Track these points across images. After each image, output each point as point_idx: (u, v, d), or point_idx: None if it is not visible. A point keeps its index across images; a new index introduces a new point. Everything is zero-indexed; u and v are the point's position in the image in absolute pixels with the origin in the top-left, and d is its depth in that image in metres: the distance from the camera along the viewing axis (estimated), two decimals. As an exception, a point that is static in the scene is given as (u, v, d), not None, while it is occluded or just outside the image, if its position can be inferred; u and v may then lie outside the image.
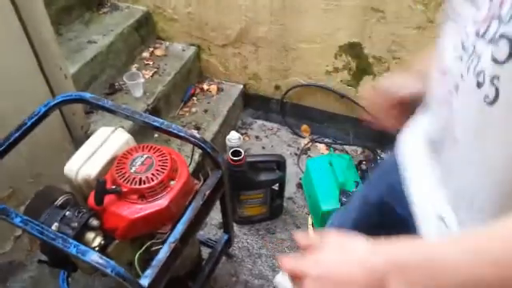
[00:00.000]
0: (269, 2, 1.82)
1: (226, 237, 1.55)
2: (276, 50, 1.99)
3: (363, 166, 1.91)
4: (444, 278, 0.41)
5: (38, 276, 1.61)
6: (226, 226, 1.53)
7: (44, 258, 1.19)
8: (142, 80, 1.87)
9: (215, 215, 1.81)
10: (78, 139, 1.69)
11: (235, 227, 1.81)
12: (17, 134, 1.16)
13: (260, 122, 2.32)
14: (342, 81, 1.97)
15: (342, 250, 0.50)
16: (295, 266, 0.52)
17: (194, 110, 2.11)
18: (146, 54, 2.13)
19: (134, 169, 1.09)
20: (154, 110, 1.89)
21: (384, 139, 2.08)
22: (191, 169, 1.76)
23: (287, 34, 1.90)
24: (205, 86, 2.24)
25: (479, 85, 0.47)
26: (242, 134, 2.17)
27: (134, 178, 1.07)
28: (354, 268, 0.47)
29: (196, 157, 1.84)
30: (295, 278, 0.52)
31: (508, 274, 0.38)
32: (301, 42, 1.91)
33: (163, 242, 1.07)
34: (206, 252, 1.56)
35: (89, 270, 1.15)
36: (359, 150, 2.16)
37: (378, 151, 2.09)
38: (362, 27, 1.75)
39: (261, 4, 1.84)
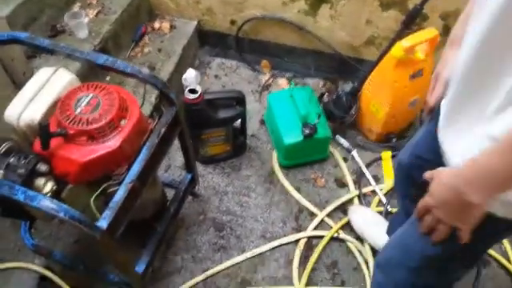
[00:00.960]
0: None
1: (189, 176, 1.53)
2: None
3: (325, 99, 1.89)
4: (493, 181, 0.63)
5: (-2, 230, 1.55)
6: (188, 166, 1.50)
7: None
8: (86, 19, 1.74)
9: (179, 156, 1.77)
10: (21, 86, 1.57)
11: (200, 167, 1.79)
12: None
13: (218, 59, 2.23)
14: (299, 11, 1.90)
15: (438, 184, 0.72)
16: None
17: (146, 50, 2.00)
18: (88, -8, 1.96)
19: (79, 109, 1.02)
20: (102, 51, 1.77)
21: (345, 70, 2.05)
22: (148, 111, 1.69)
23: (239, -38, 1.78)
24: (156, 24, 2.11)
25: None
26: (200, 74, 2.09)
27: (81, 119, 1.01)
28: (447, 192, 0.69)
29: (153, 99, 1.77)
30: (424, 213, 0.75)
31: None
32: (254, -30, 1.80)
33: (120, 184, 1.03)
34: (171, 194, 1.54)
35: (45, 217, 1.11)
36: (321, 82, 2.13)
37: (340, 82, 2.07)
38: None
39: None
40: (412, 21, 1.56)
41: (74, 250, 1.55)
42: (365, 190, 1.72)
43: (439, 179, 0.71)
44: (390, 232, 1.42)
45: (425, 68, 1.62)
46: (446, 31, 1.77)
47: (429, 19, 1.75)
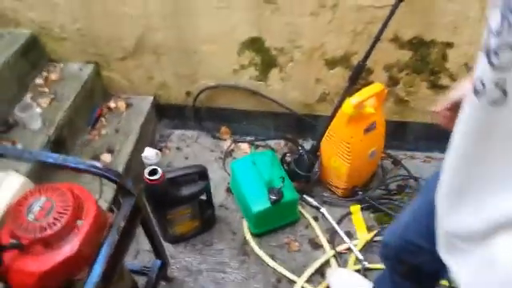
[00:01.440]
0: (160, 7, 1.74)
1: (159, 262, 1.46)
2: (178, 55, 1.91)
3: (288, 158, 1.91)
4: None
5: None
6: (156, 251, 1.44)
7: None
8: (38, 110, 1.70)
9: (146, 241, 1.69)
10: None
11: (170, 247, 1.72)
12: None
13: (178, 131, 2.23)
14: (250, 77, 1.95)
15: None
16: None
17: (103, 131, 1.97)
18: (39, 81, 1.94)
19: (32, 216, 0.97)
20: (58, 141, 1.73)
21: (303, 128, 2.09)
22: (105, 202, 1.63)
23: (186, 38, 1.83)
24: (112, 104, 2.10)
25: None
26: (160, 149, 2.07)
27: (34, 227, 0.95)
28: None
29: (111, 190, 1.71)
30: None
31: None
32: (201, 44, 1.85)
33: (83, 289, 0.97)
34: (143, 281, 1.46)
35: None
36: (282, 142, 2.15)
37: (300, 141, 2.09)
38: (258, 21, 1.73)
39: (151, 10, 1.75)
40: (358, 76, 1.63)
41: None
42: (339, 248, 1.69)
43: None
44: None
45: (377, 120, 1.68)
46: (391, 81, 1.85)
47: (373, 72, 1.83)
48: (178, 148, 2.16)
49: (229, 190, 1.94)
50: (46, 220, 0.96)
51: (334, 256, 1.67)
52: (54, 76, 1.97)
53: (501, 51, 0.45)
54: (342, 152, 1.68)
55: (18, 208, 0.99)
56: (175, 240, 1.73)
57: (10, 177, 1.11)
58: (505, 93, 0.45)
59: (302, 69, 1.86)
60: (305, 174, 1.79)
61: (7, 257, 0.94)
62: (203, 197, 1.69)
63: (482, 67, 0.48)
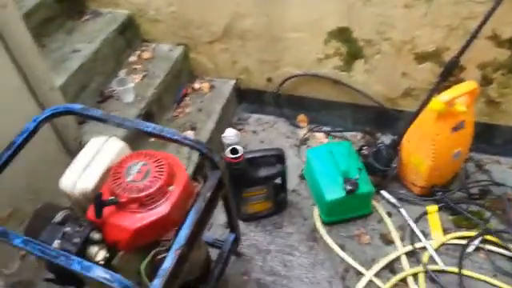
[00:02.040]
0: (252, -6, 1.78)
1: (232, 236, 1.52)
2: (264, 41, 1.95)
3: (364, 151, 1.88)
4: None
5: (47, 294, 1.58)
6: (231, 226, 1.50)
7: (51, 275, 1.16)
8: (132, 85, 1.83)
9: (220, 215, 1.78)
10: (72, 151, 1.65)
11: (242, 225, 1.78)
12: (8, 154, 1.13)
13: (256, 115, 2.28)
14: (334, 67, 1.94)
15: None
16: None
17: (187, 110, 2.07)
18: (133, 58, 2.09)
19: (130, 177, 1.06)
20: (147, 114, 1.86)
21: (382, 122, 2.05)
22: (190, 171, 1.73)
23: (274, 25, 1.86)
24: (196, 85, 2.20)
25: None
26: (238, 130, 2.14)
27: (132, 187, 1.04)
28: None
29: (195, 158, 1.81)
30: None
31: None
32: (288, 32, 1.87)
33: (168, 250, 1.04)
34: (214, 253, 1.53)
35: (96, 285, 1.12)
36: (359, 135, 2.12)
37: (378, 135, 2.06)
38: (348, 11, 1.71)
39: (244, -4, 1.80)
40: (450, 73, 1.57)
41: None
42: (411, 246, 1.65)
43: None
44: None
45: (466, 120, 1.60)
46: (484, 81, 1.75)
47: (465, 70, 1.74)
48: (254, 132, 2.21)
49: (302, 177, 1.96)
50: (142, 182, 1.05)
51: (406, 253, 1.63)
52: (146, 55, 2.11)
53: None
54: (425, 149, 1.63)
55: (118, 169, 1.09)
56: (247, 218, 1.79)
57: (111, 141, 1.22)
58: None
59: (388, 62, 1.82)
60: (382, 168, 1.76)
61: (106, 211, 1.03)
62: (278, 180, 1.73)
63: None
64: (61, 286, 1.46)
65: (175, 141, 1.14)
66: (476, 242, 1.63)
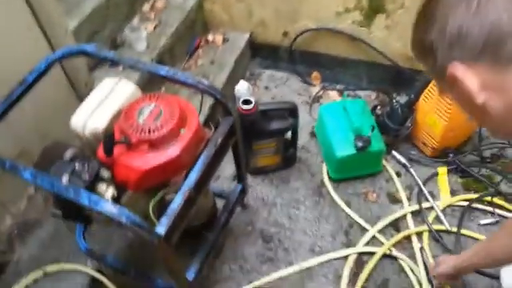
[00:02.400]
0: None
1: (239, 187, 1.53)
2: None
3: (378, 111, 1.85)
4: None
5: (54, 232, 1.62)
6: (239, 176, 1.51)
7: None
8: (145, 33, 1.80)
9: (228, 167, 1.78)
10: (82, 96, 1.64)
11: (249, 178, 1.79)
12: (19, 91, 1.13)
13: (269, 71, 2.25)
14: (353, 22, 1.88)
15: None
16: None
17: (200, 62, 2.04)
18: (146, 7, 2.04)
19: (142, 118, 1.06)
20: (159, 63, 1.83)
21: (399, 82, 2.01)
22: (202, 117, 1.72)
23: (293, -26, 1.80)
24: (210, 37, 2.16)
25: None
26: (251, 85, 2.11)
27: (143, 128, 1.04)
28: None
29: (205, 109, 1.80)
30: None
31: None
32: (308, -18, 1.81)
33: (177, 191, 1.05)
34: (220, 204, 1.55)
35: (104, 222, 1.15)
36: (373, 94, 2.09)
37: (393, 95, 2.02)
38: (373, -41, 1.65)
39: None
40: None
41: (126, 255, 1.59)
42: (417, 206, 1.66)
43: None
44: None
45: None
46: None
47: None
48: (266, 87, 2.19)
49: (312, 135, 1.95)
50: (154, 124, 1.04)
51: (412, 212, 1.64)
52: (160, 4, 2.05)
53: None
54: (441, 109, 1.60)
55: (130, 110, 1.08)
56: (255, 171, 1.79)
57: (122, 83, 1.21)
58: None
59: (411, 17, 1.74)
60: (396, 127, 1.74)
61: (116, 151, 1.04)
62: (288, 136, 1.72)
63: None
64: (68, 224, 1.51)
65: (189, 85, 1.13)
66: (480, 204, 1.63)
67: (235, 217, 1.66)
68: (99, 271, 1.49)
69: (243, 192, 1.55)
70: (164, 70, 1.14)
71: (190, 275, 1.29)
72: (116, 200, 1.05)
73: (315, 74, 2.17)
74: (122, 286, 1.48)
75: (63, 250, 1.57)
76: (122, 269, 1.46)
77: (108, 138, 0.99)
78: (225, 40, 2.15)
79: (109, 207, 0.90)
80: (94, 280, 1.48)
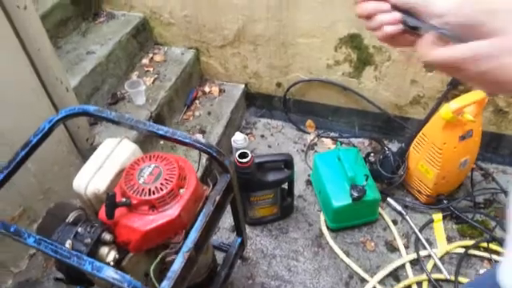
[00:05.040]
0: None
1: (239, 240, 1.54)
2: (275, 46, 1.97)
3: (371, 158, 1.90)
4: None
5: (54, 292, 1.61)
6: (238, 230, 1.52)
7: (60, 275, 1.18)
8: (144, 87, 1.86)
9: (226, 219, 1.80)
10: (84, 151, 1.69)
11: (247, 229, 1.80)
12: (23, 153, 1.15)
13: (264, 120, 2.30)
14: (343, 73, 1.95)
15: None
16: None
17: (197, 113, 2.10)
18: (145, 61, 2.12)
19: (142, 180, 1.08)
20: (158, 117, 1.88)
21: (390, 129, 2.06)
22: (199, 173, 1.75)
23: (285, 30, 1.88)
24: (206, 89, 2.22)
25: None
26: (246, 134, 2.16)
27: (143, 189, 1.06)
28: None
29: (203, 161, 1.83)
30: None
31: None
32: (299, 37, 1.89)
33: (177, 252, 1.06)
34: (220, 256, 1.55)
35: (105, 285, 1.14)
36: (366, 141, 2.14)
37: (385, 142, 2.07)
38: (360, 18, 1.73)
39: (256, 1, 1.82)
40: (458, 81, 1.58)
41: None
42: (415, 254, 1.66)
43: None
44: None
45: (474, 129, 1.61)
46: (494, 92, 1.76)
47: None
48: (262, 136, 2.23)
49: (308, 183, 1.98)
50: (154, 184, 1.07)
51: (411, 261, 1.64)
52: (158, 58, 2.14)
53: None
54: (432, 157, 1.64)
55: (130, 171, 1.11)
56: (254, 223, 1.81)
57: (124, 143, 1.24)
58: None
59: (398, 69, 1.84)
60: (389, 175, 1.78)
61: (117, 212, 1.06)
62: (285, 186, 1.74)
63: None
64: (69, 286, 1.50)
65: (187, 144, 1.16)
66: (476, 250, 1.64)
67: (235, 270, 1.65)
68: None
69: (242, 245, 1.56)
70: (163, 131, 1.18)
71: (191, 334, 1.27)
72: (118, 262, 1.06)
73: (309, 122, 2.23)
74: None
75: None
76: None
77: (109, 202, 1.02)
78: (221, 91, 2.22)
79: (111, 274, 0.91)
80: None
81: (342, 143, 2.15)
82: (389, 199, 1.83)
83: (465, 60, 0.48)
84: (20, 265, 1.55)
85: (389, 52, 1.80)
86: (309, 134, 2.21)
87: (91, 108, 1.27)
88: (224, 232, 1.80)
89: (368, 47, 1.81)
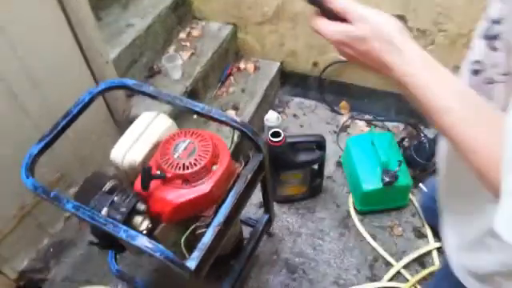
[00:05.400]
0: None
1: (266, 217, 1.57)
2: (314, 26, 1.93)
3: (405, 143, 1.87)
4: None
5: (87, 253, 1.69)
6: (266, 207, 1.54)
7: (93, 238, 1.24)
8: (181, 62, 1.88)
9: (255, 195, 1.81)
10: (119, 122, 1.74)
11: (275, 206, 1.83)
12: (63, 122, 1.20)
13: (297, 99, 2.29)
14: (382, 55, 1.90)
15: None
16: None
17: (231, 89, 2.11)
18: (182, 35, 2.13)
19: (177, 154, 1.11)
20: (193, 92, 1.91)
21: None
22: (230, 150, 1.78)
23: (325, 9, 1.84)
24: (242, 65, 2.22)
25: None
26: (279, 113, 2.16)
27: (178, 164, 1.09)
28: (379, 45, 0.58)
29: (235, 137, 1.85)
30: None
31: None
32: (339, 17, 1.85)
33: (207, 226, 1.10)
34: (246, 230, 1.59)
35: (137, 252, 1.20)
36: (401, 126, 2.10)
37: (421, 127, 2.02)
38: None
39: (297, -22, 1.79)
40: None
41: (154, 279, 1.64)
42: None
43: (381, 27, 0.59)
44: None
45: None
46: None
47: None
48: (294, 115, 2.23)
49: (338, 164, 1.97)
50: (188, 160, 1.10)
51: (438, 248, 1.63)
52: (195, 32, 2.14)
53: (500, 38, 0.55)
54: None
55: (166, 146, 1.14)
56: (281, 200, 1.83)
57: (160, 117, 1.27)
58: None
59: (441, 54, 1.77)
60: (423, 162, 1.75)
61: (152, 184, 1.10)
62: (315, 166, 1.75)
63: (481, 51, 0.60)
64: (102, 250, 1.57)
65: (222, 122, 1.18)
66: None
67: (261, 245, 1.69)
68: (129, 294, 1.55)
69: (269, 222, 1.59)
70: (199, 107, 1.20)
71: (216, 304, 1.33)
72: (150, 231, 1.11)
73: (344, 103, 2.20)
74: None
75: (95, 272, 1.64)
76: (150, 292, 1.51)
77: (146, 174, 1.05)
78: (256, 68, 2.21)
79: (145, 242, 0.95)
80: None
81: (376, 126, 2.12)
82: (420, 185, 1.80)
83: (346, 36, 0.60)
84: (56, 226, 1.64)
85: (433, 36, 1.74)
86: (342, 115, 2.19)
87: (130, 82, 1.30)
88: (251, 207, 1.83)
89: (412, 30, 1.76)
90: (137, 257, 1.62)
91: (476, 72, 0.62)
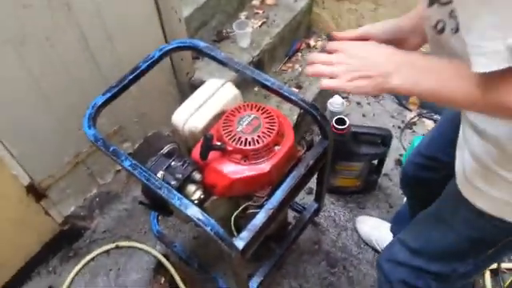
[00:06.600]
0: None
1: (315, 205, 1.50)
2: (399, 10, 1.79)
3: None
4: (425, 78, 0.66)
5: (131, 209, 1.71)
6: (318, 196, 1.48)
7: (139, 195, 1.23)
8: (250, 30, 1.81)
9: (306, 179, 1.76)
10: (182, 84, 1.70)
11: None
12: (131, 77, 1.17)
13: (364, 87, 2.16)
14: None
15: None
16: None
17: (297, 66, 2.02)
18: (256, 2, 2.05)
19: (240, 128, 1.06)
20: (258, 63, 1.83)
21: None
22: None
23: (414, -5, 1.69)
24: (311, 42, 2.12)
25: None
26: (343, 98, 2.05)
27: (240, 138, 1.04)
28: (380, 56, 0.72)
29: (294, 117, 1.78)
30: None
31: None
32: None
33: (260, 206, 1.05)
34: (290, 215, 1.53)
35: (184, 219, 1.17)
36: (472, 132, 1.94)
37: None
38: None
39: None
40: None
41: (192, 246, 1.63)
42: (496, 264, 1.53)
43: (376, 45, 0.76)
44: (394, 230, 1.48)
45: None
46: None
47: None
48: (358, 103, 2.11)
49: (398, 163, 1.86)
50: (251, 135, 1.04)
51: (491, 269, 1.51)
52: (270, 1, 2.05)
53: None
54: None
55: (230, 117, 1.09)
56: (331, 190, 1.75)
57: (227, 86, 1.22)
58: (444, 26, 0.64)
59: None
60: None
61: (211, 155, 1.05)
62: (374, 161, 1.65)
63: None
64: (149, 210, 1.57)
65: (291, 100, 1.10)
66: None
67: (304, 232, 1.63)
68: (165, 256, 1.55)
69: (318, 211, 1.52)
70: (270, 82, 1.12)
71: (253, 285, 1.29)
72: (201, 202, 1.07)
73: (413, 98, 2.06)
74: (184, 274, 1.52)
75: (136, 228, 1.65)
76: (187, 259, 1.50)
77: (206, 142, 1.01)
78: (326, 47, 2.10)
79: (197, 213, 0.92)
80: (159, 264, 1.55)
81: (444, 129, 1.97)
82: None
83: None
84: (105, 177, 1.65)
85: None
86: (410, 111, 2.05)
87: (201, 44, 1.25)
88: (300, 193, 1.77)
89: None
90: (180, 222, 1.61)
91: (434, 27, 0.68)
